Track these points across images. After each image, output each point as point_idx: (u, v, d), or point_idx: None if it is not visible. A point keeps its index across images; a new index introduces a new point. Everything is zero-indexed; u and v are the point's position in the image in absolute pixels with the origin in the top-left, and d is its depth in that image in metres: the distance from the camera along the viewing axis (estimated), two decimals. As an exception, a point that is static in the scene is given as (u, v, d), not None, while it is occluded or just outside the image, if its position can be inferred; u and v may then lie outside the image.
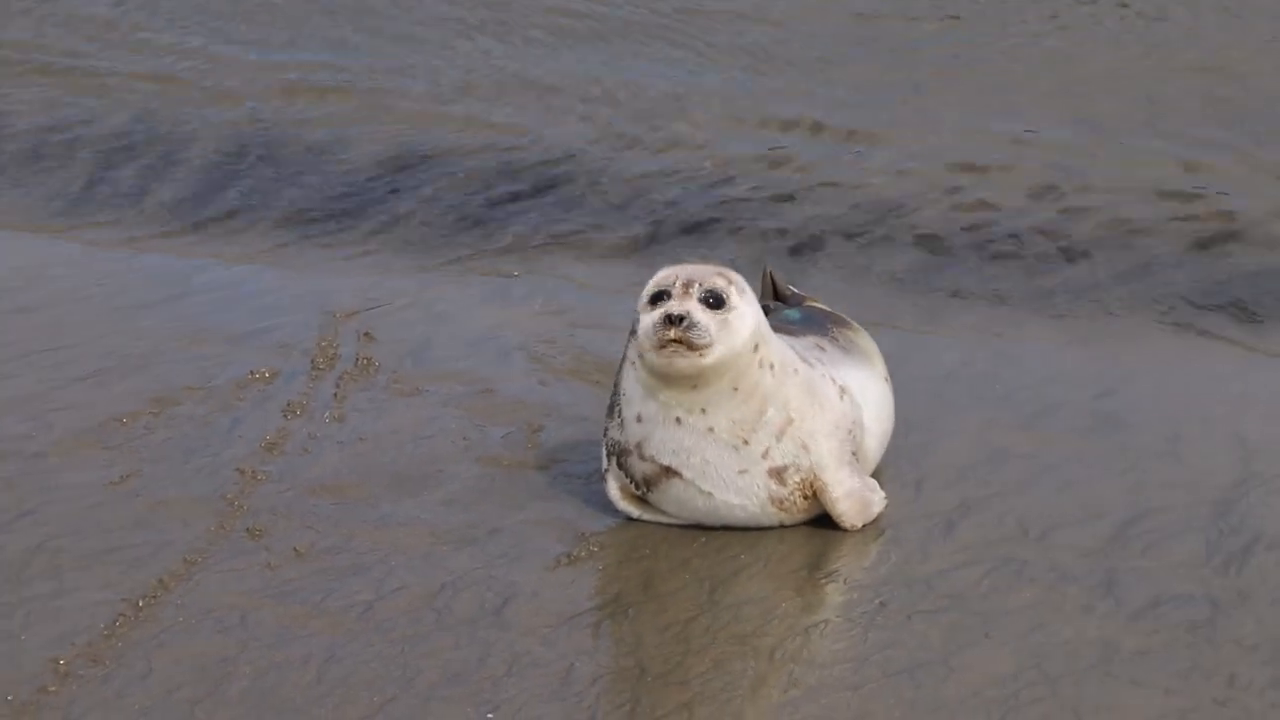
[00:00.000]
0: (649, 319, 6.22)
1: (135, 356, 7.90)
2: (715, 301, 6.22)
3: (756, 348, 6.30)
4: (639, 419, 6.41)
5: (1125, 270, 9.17)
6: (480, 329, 8.22)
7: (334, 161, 10.76)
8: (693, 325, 6.16)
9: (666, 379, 6.27)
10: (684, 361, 6.19)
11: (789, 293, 7.44)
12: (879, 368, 6.96)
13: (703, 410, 6.32)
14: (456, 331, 8.19)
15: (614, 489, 6.56)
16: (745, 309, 6.28)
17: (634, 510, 6.55)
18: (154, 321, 8.29)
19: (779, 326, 6.70)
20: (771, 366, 6.35)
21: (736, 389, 6.29)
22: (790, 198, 10.16)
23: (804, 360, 6.51)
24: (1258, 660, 5.76)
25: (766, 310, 7.17)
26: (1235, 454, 7.04)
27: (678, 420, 6.34)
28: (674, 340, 6.16)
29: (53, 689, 5.61)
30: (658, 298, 6.25)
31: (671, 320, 6.16)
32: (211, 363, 7.80)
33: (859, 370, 6.77)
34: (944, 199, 10.02)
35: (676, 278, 6.26)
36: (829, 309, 7.28)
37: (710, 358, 6.20)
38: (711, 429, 6.33)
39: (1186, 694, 5.61)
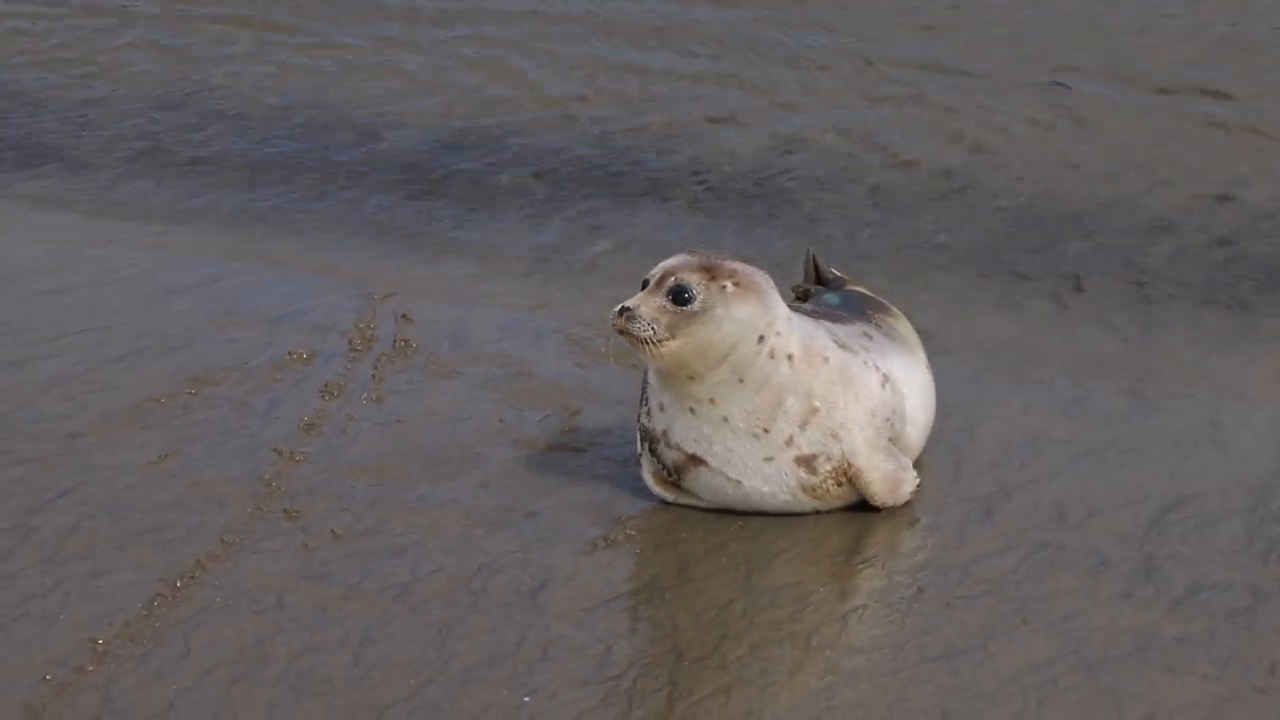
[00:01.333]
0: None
1: (172, 337, 7.91)
2: (679, 297, 6.21)
3: (762, 339, 6.26)
4: (661, 407, 6.43)
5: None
6: (517, 311, 8.21)
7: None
8: (633, 319, 6.18)
9: (656, 370, 6.33)
10: (639, 353, 6.24)
11: (830, 276, 7.42)
12: (921, 355, 6.93)
13: (711, 401, 6.31)
14: (494, 314, 8.18)
15: (648, 474, 6.56)
16: (726, 305, 6.23)
17: (669, 495, 6.54)
18: (190, 303, 8.30)
19: (823, 313, 6.68)
20: (790, 357, 6.31)
21: (742, 380, 6.28)
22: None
23: (843, 347, 6.48)
24: (1298, 648, 5.73)
25: (806, 295, 7.16)
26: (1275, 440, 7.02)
27: (691, 410, 6.35)
28: (621, 331, 6.21)
29: (91, 669, 5.63)
30: (644, 285, 6.28)
31: (620, 312, 6.21)
32: (249, 344, 7.81)
33: (903, 358, 6.75)
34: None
35: (660, 268, 6.28)
36: (869, 293, 7.26)
37: (665, 350, 6.20)
38: (726, 419, 6.32)
39: (1225, 682, 5.58)
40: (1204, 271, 9.00)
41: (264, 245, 9.29)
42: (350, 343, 7.82)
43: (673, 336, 6.18)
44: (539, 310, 8.28)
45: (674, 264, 6.28)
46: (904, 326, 7.02)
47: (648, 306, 6.20)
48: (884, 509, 6.49)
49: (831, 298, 7.12)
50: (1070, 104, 11.33)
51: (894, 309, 7.13)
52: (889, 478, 6.47)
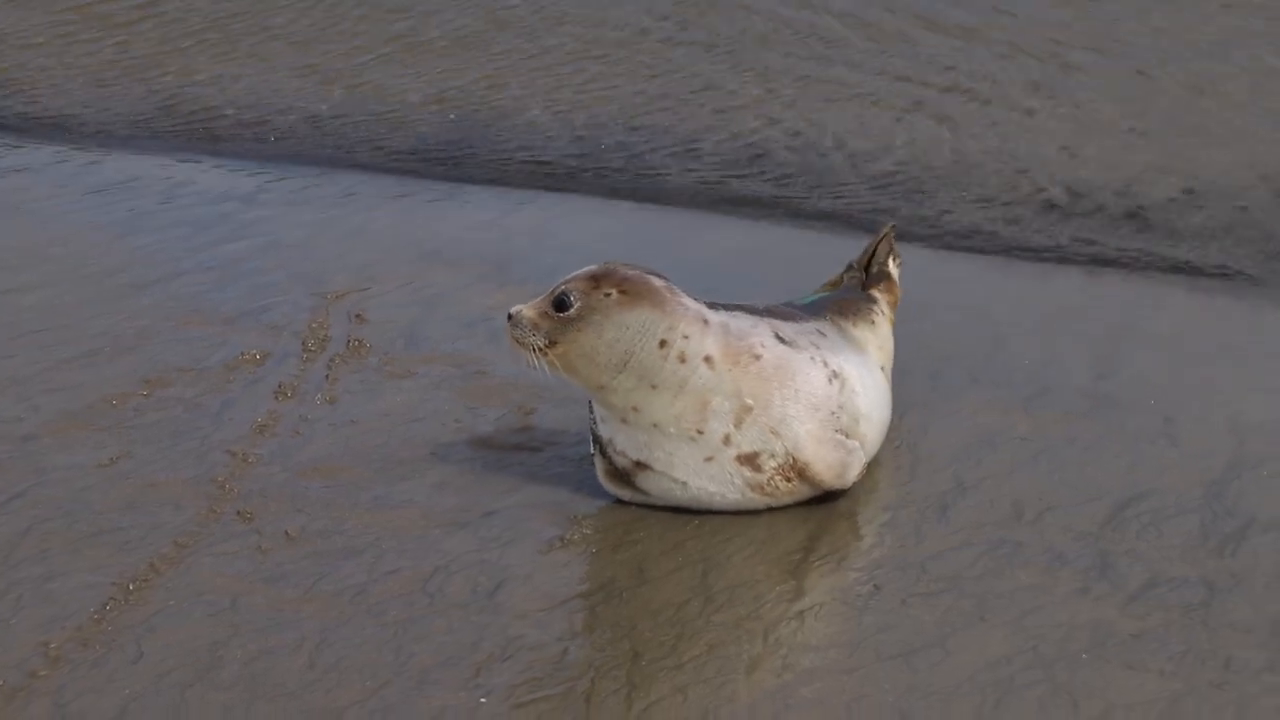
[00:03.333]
0: None
1: (128, 337, 7.86)
2: (559, 304, 6.29)
3: (664, 344, 6.27)
4: (602, 418, 6.47)
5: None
6: (473, 311, 8.18)
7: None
8: (516, 325, 6.30)
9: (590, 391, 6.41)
10: (524, 357, 6.32)
11: (877, 268, 7.40)
12: (875, 356, 6.92)
13: (635, 409, 6.32)
14: (448, 313, 8.16)
15: (602, 474, 6.55)
16: (607, 312, 6.26)
17: (624, 493, 6.53)
18: (148, 301, 8.25)
19: (776, 310, 6.70)
20: (708, 359, 6.31)
21: (655, 386, 6.29)
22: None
23: (785, 343, 6.48)
24: (1253, 643, 5.75)
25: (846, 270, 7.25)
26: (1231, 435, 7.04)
27: (624, 420, 6.35)
28: (511, 338, 6.32)
29: (43, 673, 5.59)
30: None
31: (508, 317, 6.35)
32: (203, 344, 7.77)
33: (857, 358, 6.74)
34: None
35: (563, 281, 6.36)
36: (882, 298, 7.24)
37: (548, 357, 6.28)
38: (656, 424, 6.33)
39: (1182, 677, 5.60)
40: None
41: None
42: (304, 343, 7.78)
43: (554, 343, 6.26)
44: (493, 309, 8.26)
45: (572, 274, 6.36)
46: (865, 331, 6.99)
47: (531, 312, 6.31)
48: (837, 497, 6.52)
49: (809, 298, 7.14)
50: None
51: (874, 316, 7.10)
52: (835, 465, 6.48)
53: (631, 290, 6.30)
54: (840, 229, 9.33)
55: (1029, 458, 6.89)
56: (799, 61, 11.66)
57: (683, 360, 6.30)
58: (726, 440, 6.35)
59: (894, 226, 7.61)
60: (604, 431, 6.47)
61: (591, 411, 6.52)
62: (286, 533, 6.35)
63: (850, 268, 7.46)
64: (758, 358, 6.40)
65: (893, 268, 7.46)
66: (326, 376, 7.49)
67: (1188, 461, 6.86)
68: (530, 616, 5.90)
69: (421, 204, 9.80)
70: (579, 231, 9.36)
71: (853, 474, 6.52)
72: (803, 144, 10.50)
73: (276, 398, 7.29)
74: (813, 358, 6.52)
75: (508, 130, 10.95)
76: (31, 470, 6.73)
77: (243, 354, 7.65)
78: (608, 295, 6.27)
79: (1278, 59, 11.45)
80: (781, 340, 6.49)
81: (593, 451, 6.58)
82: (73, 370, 7.53)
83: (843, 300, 7.12)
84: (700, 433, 6.35)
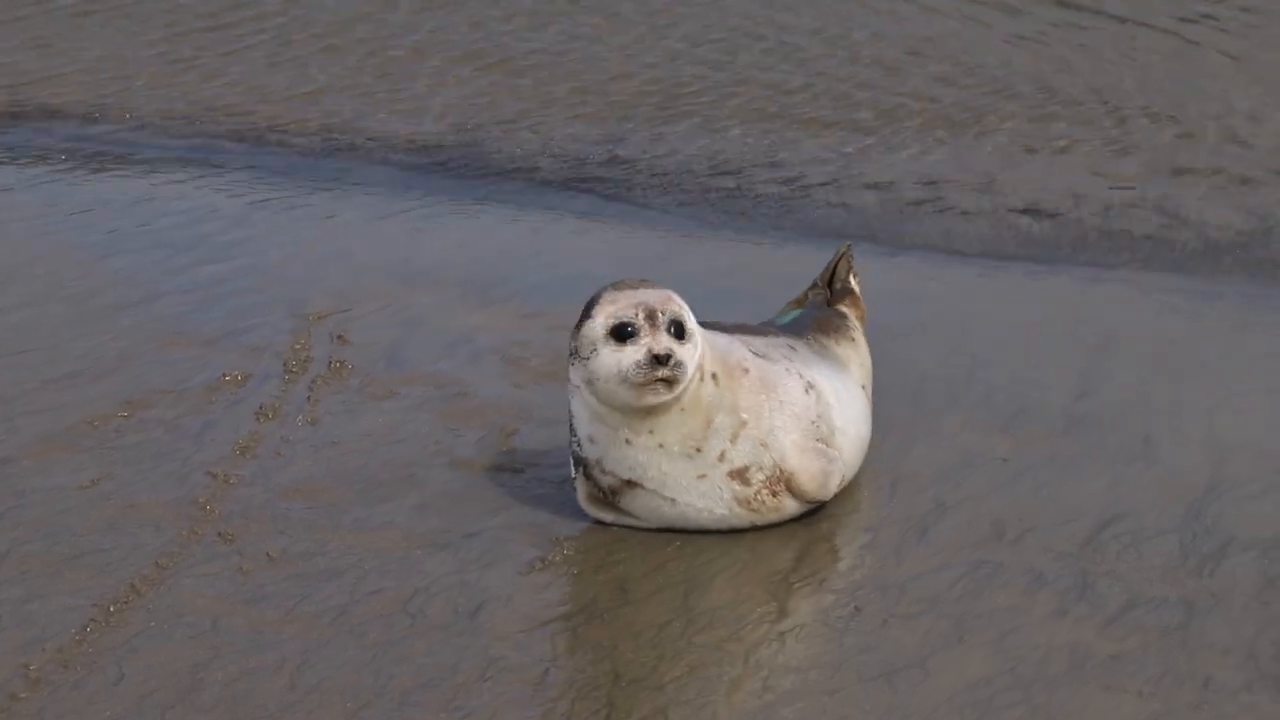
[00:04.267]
0: (625, 357, 6.13)
1: (109, 358, 7.86)
2: (679, 331, 6.18)
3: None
4: (591, 440, 6.39)
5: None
6: (454, 332, 8.19)
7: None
8: (680, 365, 6.12)
9: (628, 411, 6.26)
10: (659, 398, 6.18)
11: (840, 285, 7.40)
12: (857, 375, 6.95)
13: (650, 431, 6.29)
14: (430, 334, 8.16)
15: (583, 497, 6.54)
16: (697, 331, 6.26)
17: (605, 516, 6.53)
18: (129, 323, 8.25)
19: (741, 326, 6.73)
20: (714, 376, 6.31)
21: (683, 408, 6.27)
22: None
23: (760, 356, 6.50)
24: (1232, 664, 5.76)
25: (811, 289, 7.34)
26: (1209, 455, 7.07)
27: (627, 441, 6.33)
28: (661, 380, 6.14)
29: (23, 695, 5.58)
30: (621, 331, 6.19)
31: (660, 360, 6.12)
32: (185, 366, 7.76)
33: (830, 371, 6.76)
34: None
35: (637, 309, 6.17)
36: (849, 313, 7.25)
37: (679, 389, 6.19)
38: (662, 445, 6.31)
39: (1160, 698, 5.61)
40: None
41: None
42: (285, 364, 7.78)
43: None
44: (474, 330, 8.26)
45: (646, 299, 6.18)
46: (847, 349, 7.01)
47: (679, 349, 6.14)
48: (817, 512, 6.54)
49: (787, 317, 7.16)
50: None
51: (852, 333, 7.12)
52: (818, 475, 6.48)
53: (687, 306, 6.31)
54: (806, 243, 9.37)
55: (1008, 477, 6.91)
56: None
57: (702, 378, 6.29)
58: (721, 456, 6.36)
59: (850, 245, 7.61)
60: (591, 453, 6.42)
61: (574, 434, 6.48)
62: (268, 554, 6.34)
63: (814, 285, 7.46)
64: (746, 371, 6.42)
65: (854, 283, 7.48)
66: (308, 398, 7.49)
67: (1167, 481, 6.89)
68: (511, 638, 5.90)
69: (401, 224, 9.81)
70: (562, 250, 9.38)
71: (834, 484, 6.53)
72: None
73: (258, 419, 7.29)
74: (787, 369, 6.54)
75: (492, 148, 10.97)
76: (11, 492, 6.72)
77: (224, 375, 7.65)
78: (690, 314, 6.25)
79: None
80: (756, 354, 6.51)
81: (574, 475, 6.57)
82: (53, 391, 7.53)
83: (821, 318, 7.14)
84: (699, 450, 6.34)
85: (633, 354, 6.13)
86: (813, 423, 6.51)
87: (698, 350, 6.23)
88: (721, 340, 6.47)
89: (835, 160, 10.95)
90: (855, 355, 7.05)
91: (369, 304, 8.47)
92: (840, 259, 7.47)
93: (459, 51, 12.66)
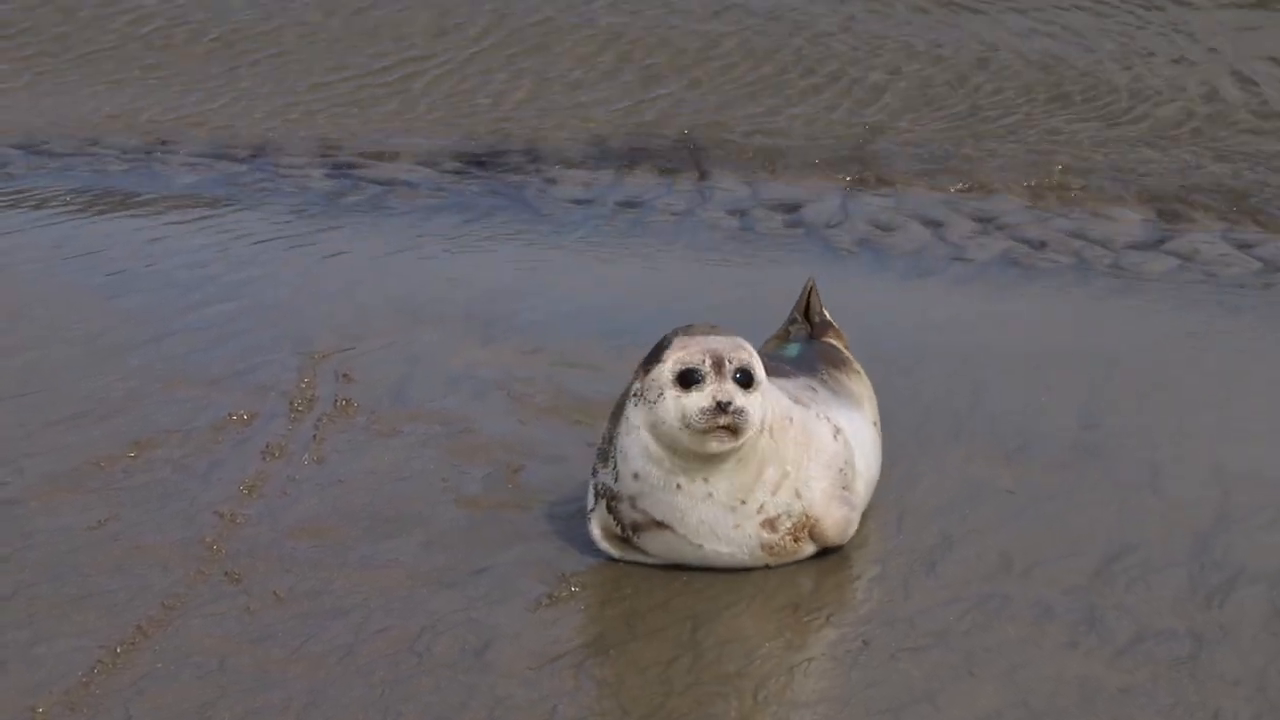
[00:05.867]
0: (691, 403, 6.11)
1: (115, 399, 7.86)
2: (746, 379, 6.17)
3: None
4: (636, 477, 6.35)
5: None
6: (457, 367, 8.19)
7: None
8: (743, 413, 6.10)
9: (690, 457, 6.24)
10: (723, 446, 6.16)
11: (819, 318, 7.40)
12: (868, 411, 6.93)
13: (705, 479, 6.28)
14: (435, 370, 8.16)
15: (596, 530, 6.52)
16: (764, 381, 6.24)
17: (615, 551, 6.51)
18: (135, 363, 8.25)
19: (773, 368, 6.65)
20: (771, 429, 6.30)
21: (740, 459, 6.25)
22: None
23: (797, 402, 6.47)
24: (1241, 696, 5.75)
25: (789, 325, 7.31)
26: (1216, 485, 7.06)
27: (678, 486, 6.30)
28: (723, 427, 6.13)
29: (30, 738, 5.58)
30: (687, 377, 6.18)
31: (722, 408, 6.10)
32: (190, 405, 7.77)
33: (849, 412, 6.75)
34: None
35: (705, 355, 6.16)
36: (836, 345, 7.24)
37: (744, 437, 6.17)
38: (711, 494, 6.29)
39: (1171, 730, 5.60)
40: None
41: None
42: (291, 403, 7.78)
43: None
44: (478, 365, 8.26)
45: (716, 346, 6.17)
46: (857, 384, 7.02)
47: (743, 400, 6.11)
48: (829, 551, 6.52)
49: (792, 349, 7.13)
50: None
51: (855, 365, 7.13)
52: (840, 522, 6.47)
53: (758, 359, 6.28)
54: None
55: (1015, 510, 6.90)
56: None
57: (761, 430, 6.27)
58: (760, 509, 6.33)
59: (814, 279, 7.57)
60: (628, 488, 6.34)
61: (610, 464, 6.40)
62: (274, 593, 6.33)
63: (793, 320, 7.43)
64: (791, 421, 6.37)
65: (827, 315, 7.49)
66: (314, 436, 7.49)
67: (1174, 513, 6.88)
68: (518, 675, 5.89)
69: (405, 260, 9.82)
70: (565, 284, 9.39)
71: (852, 530, 6.53)
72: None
73: (264, 458, 7.29)
74: (817, 415, 6.51)
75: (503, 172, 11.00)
76: (18, 534, 6.72)
77: (230, 415, 7.65)
78: (760, 364, 6.23)
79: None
80: (794, 400, 6.47)
81: (590, 507, 6.55)
82: (60, 432, 7.53)
83: (823, 352, 7.12)
84: (743, 502, 6.31)
85: (698, 400, 6.12)
86: (840, 470, 6.48)
87: (764, 400, 6.21)
88: (771, 390, 6.41)
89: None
90: (864, 389, 7.04)
91: (373, 341, 8.47)
92: (810, 293, 7.45)
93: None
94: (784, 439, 6.33)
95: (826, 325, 7.39)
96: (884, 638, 6.09)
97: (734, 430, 6.12)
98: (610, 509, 6.44)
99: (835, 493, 6.45)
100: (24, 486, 7.06)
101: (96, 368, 8.21)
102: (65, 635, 6.07)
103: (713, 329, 6.29)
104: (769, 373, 6.46)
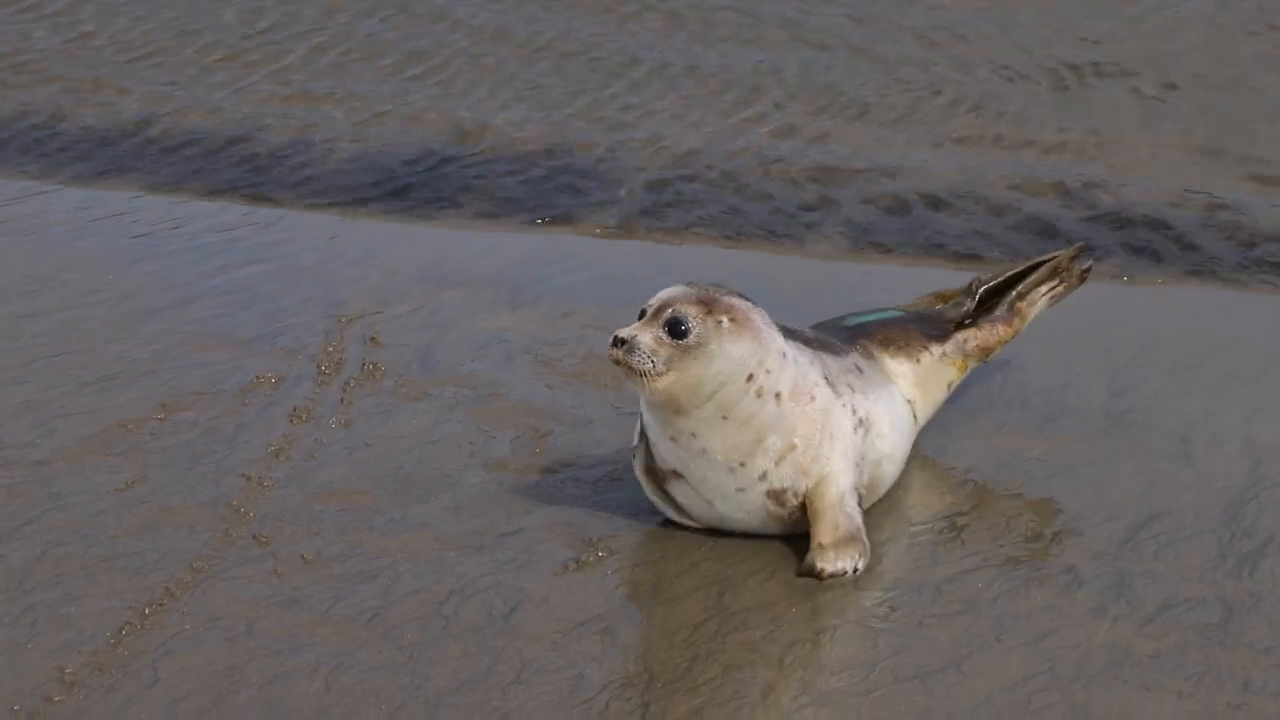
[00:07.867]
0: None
1: (143, 362, 7.87)
2: (675, 329, 6.13)
3: (751, 378, 6.21)
4: (649, 424, 6.40)
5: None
6: (485, 333, 8.18)
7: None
8: (633, 350, 6.09)
9: (651, 405, 6.25)
10: (633, 385, 6.16)
11: (1015, 295, 7.19)
12: (899, 390, 6.80)
13: (693, 434, 6.26)
14: (463, 335, 8.16)
15: (638, 467, 6.52)
16: (720, 341, 6.14)
17: (653, 492, 6.47)
18: (163, 326, 8.26)
19: (824, 342, 6.59)
20: (777, 395, 6.26)
21: (726, 417, 6.22)
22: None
23: (830, 385, 6.43)
24: (1270, 663, 5.73)
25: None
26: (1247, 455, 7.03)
27: (672, 439, 6.30)
28: (618, 362, 6.12)
29: (59, 698, 5.59)
30: (641, 315, 6.19)
31: (616, 342, 6.12)
32: (218, 368, 7.78)
33: (886, 397, 6.67)
34: None
35: (657, 298, 6.19)
36: (968, 335, 7.08)
37: (660, 384, 6.12)
38: (705, 450, 6.27)
39: (1199, 698, 5.58)
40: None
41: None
42: (319, 366, 7.79)
43: (668, 370, 6.11)
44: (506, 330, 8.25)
45: (672, 294, 6.18)
46: (910, 369, 6.85)
47: (647, 337, 6.12)
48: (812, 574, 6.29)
49: (864, 317, 7.02)
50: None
51: (925, 360, 6.94)
52: (841, 534, 6.31)
53: (740, 319, 6.18)
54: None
55: (1045, 478, 6.88)
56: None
57: (759, 395, 6.23)
58: (763, 476, 6.31)
59: (1083, 247, 7.40)
60: (651, 435, 6.39)
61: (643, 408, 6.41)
62: (302, 556, 6.35)
63: (971, 286, 7.22)
64: (813, 399, 6.34)
65: (1039, 305, 7.29)
66: (341, 400, 7.49)
67: (1204, 481, 6.85)
68: (546, 639, 5.89)
69: (432, 229, 9.81)
70: (588, 255, 9.36)
71: (845, 564, 6.27)
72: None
73: (291, 421, 7.30)
74: (845, 404, 6.44)
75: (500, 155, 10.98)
76: (46, 495, 6.74)
77: (257, 378, 7.66)
78: (720, 323, 6.15)
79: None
80: (828, 382, 6.42)
81: (635, 444, 6.53)
82: (88, 395, 7.54)
83: (891, 330, 6.97)
84: (742, 465, 6.30)
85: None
86: (855, 464, 6.44)
87: (714, 359, 6.12)
88: (804, 360, 6.38)
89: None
90: (911, 373, 6.88)
91: (401, 305, 8.47)
92: (1046, 263, 7.26)
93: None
94: (798, 411, 6.29)
95: (1005, 315, 7.17)
96: (911, 604, 6.08)
97: (629, 369, 6.09)
98: (648, 449, 6.45)
99: (848, 485, 6.37)
100: (53, 448, 7.08)
101: (124, 330, 8.22)
102: (94, 596, 6.09)
103: (705, 287, 6.26)
104: (817, 345, 6.44)
